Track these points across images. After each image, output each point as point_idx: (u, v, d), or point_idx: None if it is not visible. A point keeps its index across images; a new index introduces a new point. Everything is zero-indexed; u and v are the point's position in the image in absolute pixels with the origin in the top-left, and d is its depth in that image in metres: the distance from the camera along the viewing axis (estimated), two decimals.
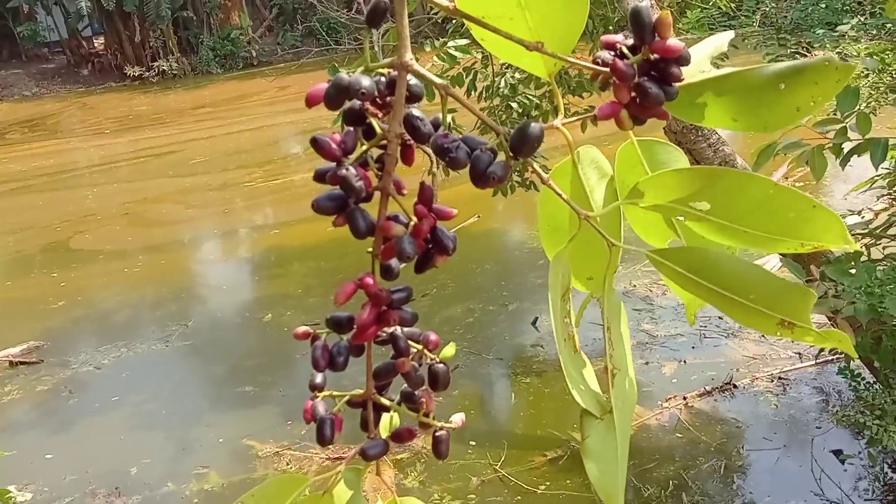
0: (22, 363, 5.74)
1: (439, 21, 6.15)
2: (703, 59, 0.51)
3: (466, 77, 4.51)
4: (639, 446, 4.09)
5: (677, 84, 0.49)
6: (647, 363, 4.84)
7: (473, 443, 4.27)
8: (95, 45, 21.78)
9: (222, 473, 4.26)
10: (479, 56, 4.57)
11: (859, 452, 3.87)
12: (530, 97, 4.47)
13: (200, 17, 21.00)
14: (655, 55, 0.48)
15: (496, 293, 6.05)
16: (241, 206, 9.42)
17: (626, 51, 0.49)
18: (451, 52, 4.03)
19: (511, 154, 0.50)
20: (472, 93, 4.59)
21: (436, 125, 0.52)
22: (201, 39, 20.81)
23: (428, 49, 4.39)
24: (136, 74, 20.28)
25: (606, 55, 0.49)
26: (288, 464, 4.24)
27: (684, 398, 4.44)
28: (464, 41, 3.84)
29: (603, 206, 0.57)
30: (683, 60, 0.48)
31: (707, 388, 4.50)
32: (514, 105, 4.43)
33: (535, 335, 5.40)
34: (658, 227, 0.59)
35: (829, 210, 0.46)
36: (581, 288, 0.60)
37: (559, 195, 0.52)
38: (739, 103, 0.48)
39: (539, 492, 3.84)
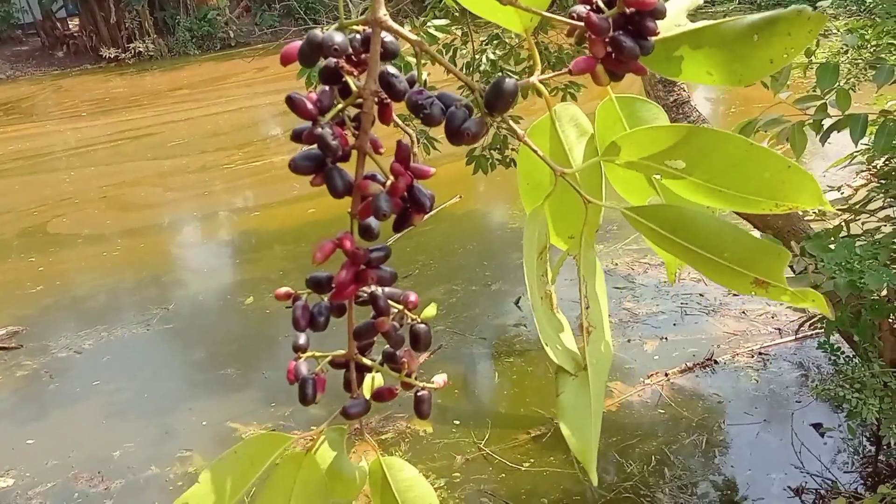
0: (1, 348, 5.69)
1: None
2: (678, 12, 0.50)
3: (446, 54, 4.50)
4: (621, 423, 4.13)
5: (653, 38, 0.48)
6: (628, 340, 4.87)
7: (458, 422, 4.29)
8: (70, 26, 21.46)
9: (206, 456, 4.26)
10: (459, 33, 4.55)
11: (839, 426, 3.92)
12: (510, 73, 4.46)
13: None
14: (631, 9, 0.48)
15: (478, 273, 6.06)
16: (220, 189, 9.35)
17: (601, 4, 0.49)
18: (432, 31, 4.01)
19: (486, 110, 0.50)
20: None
21: (411, 82, 0.51)
22: (178, 20, 20.56)
23: (408, 28, 4.36)
24: (112, 56, 20.01)
25: (581, 9, 0.49)
26: None
27: (666, 374, 4.48)
28: (444, 21, 3.83)
29: (582, 164, 0.57)
30: (658, 14, 0.47)
31: (688, 364, 4.54)
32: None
33: (517, 315, 5.42)
34: (638, 185, 0.59)
35: (804, 171, 0.46)
36: (562, 246, 0.59)
37: (534, 152, 0.51)
38: (714, 56, 0.48)
39: (523, 469, 3.86)
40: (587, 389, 0.51)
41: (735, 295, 5.24)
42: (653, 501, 3.58)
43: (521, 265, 0.53)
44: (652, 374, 4.50)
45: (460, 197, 7.30)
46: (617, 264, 5.79)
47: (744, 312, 5.02)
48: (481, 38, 4.63)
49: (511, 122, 0.51)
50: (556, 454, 3.93)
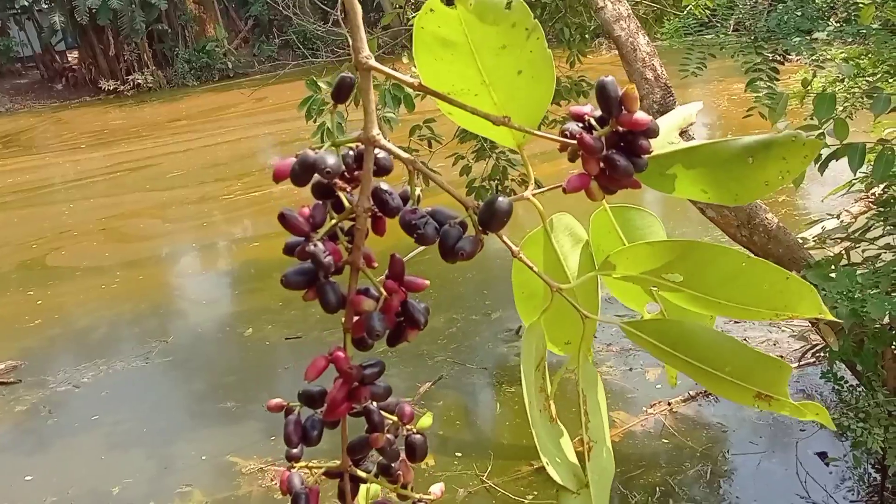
0: (0, 383, 5.66)
1: None
2: (671, 129, 0.50)
3: None
4: (624, 453, 4.10)
5: (646, 156, 0.48)
6: (630, 369, 4.85)
7: (459, 454, 4.26)
8: (69, 59, 21.62)
9: (206, 491, 4.23)
10: None
11: (844, 455, 3.90)
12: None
13: (175, 30, 20.88)
14: (623, 128, 0.48)
15: (479, 302, 6.05)
16: (219, 220, 9.36)
17: (594, 122, 0.49)
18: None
19: (480, 229, 0.50)
20: None
21: (405, 198, 0.51)
22: (176, 52, 20.69)
23: (405, 60, 4.38)
24: (111, 88, 20.13)
25: (574, 127, 0.49)
26: (272, 480, 4.21)
27: (669, 404, 4.45)
28: None
29: (578, 274, 0.57)
30: (651, 133, 0.47)
31: (691, 393, 4.52)
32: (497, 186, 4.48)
33: (519, 344, 5.39)
34: (635, 291, 0.58)
35: (803, 281, 0.46)
36: (558, 352, 0.59)
37: (530, 268, 0.51)
38: (709, 175, 0.48)
39: (526, 502, 3.83)
40: None
41: (736, 322, 5.23)
42: None
43: (522, 353, 0.52)
44: (654, 404, 4.48)
45: None
46: None
47: (745, 340, 5.00)
48: None
49: (505, 240, 0.51)
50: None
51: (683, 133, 0.51)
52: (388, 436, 0.55)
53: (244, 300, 7.05)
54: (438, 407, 4.75)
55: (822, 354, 4.10)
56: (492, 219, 0.49)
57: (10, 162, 14.04)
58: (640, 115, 0.47)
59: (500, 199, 0.49)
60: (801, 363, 4.59)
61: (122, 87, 20.16)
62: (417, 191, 0.51)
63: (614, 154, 0.48)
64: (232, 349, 6.03)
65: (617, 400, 4.54)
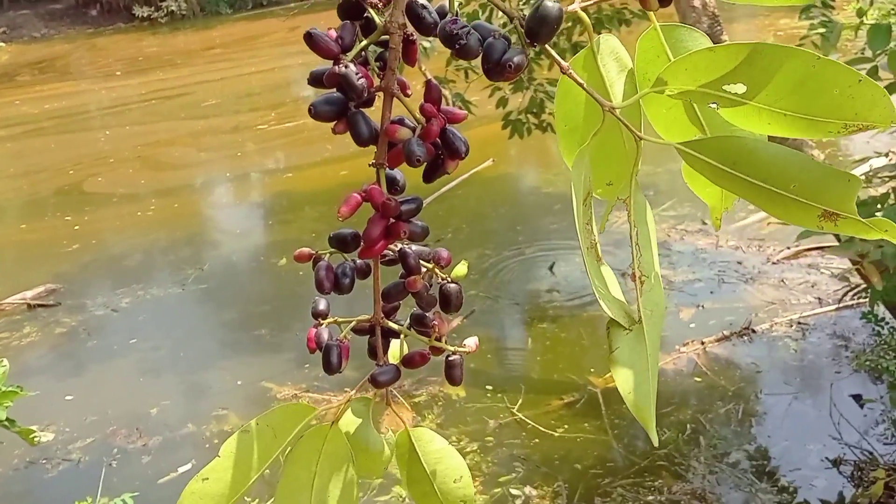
0: (39, 306, 5.78)
1: None
2: None
3: None
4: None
5: None
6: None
7: (490, 387, 4.27)
8: None
9: (241, 415, 4.29)
10: None
11: (881, 397, 3.84)
12: None
13: None
14: None
15: (511, 238, 6.01)
16: (252, 150, 9.37)
17: None
18: None
19: (528, 39, 0.45)
20: None
21: (442, 14, 0.47)
22: None
23: None
24: (145, 15, 20.05)
25: None
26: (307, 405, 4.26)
27: (702, 343, 4.41)
28: None
29: (624, 100, 0.52)
30: None
31: (725, 332, 4.47)
32: None
33: (551, 280, 5.37)
34: (681, 123, 0.54)
35: (876, 84, 0.41)
36: (599, 195, 0.55)
37: (580, 84, 0.46)
38: None
39: (556, 434, 3.84)
40: (643, 343, 0.47)
41: (774, 263, 5.14)
42: (687, 469, 3.54)
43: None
44: (687, 343, 4.43)
45: (493, 160, 7.23)
46: None
47: (783, 281, 4.93)
48: None
49: (553, 53, 0.46)
50: (590, 420, 3.90)
51: None
52: (424, 282, 0.52)
53: (277, 231, 7.08)
54: None
55: (863, 296, 4.02)
56: (541, 27, 0.44)
57: (46, 88, 14.13)
58: None
59: (548, 3, 0.44)
60: (840, 305, 4.51)
61: (156, 14, 20.08)
62: (456, 4, 0.46)
63: None
64: (265, 279, 6.08)
65: None
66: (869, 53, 2.84)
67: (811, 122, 0.43)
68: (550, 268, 5.49)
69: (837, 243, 3.00)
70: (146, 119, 11.13)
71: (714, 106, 0.44)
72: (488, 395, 4.20)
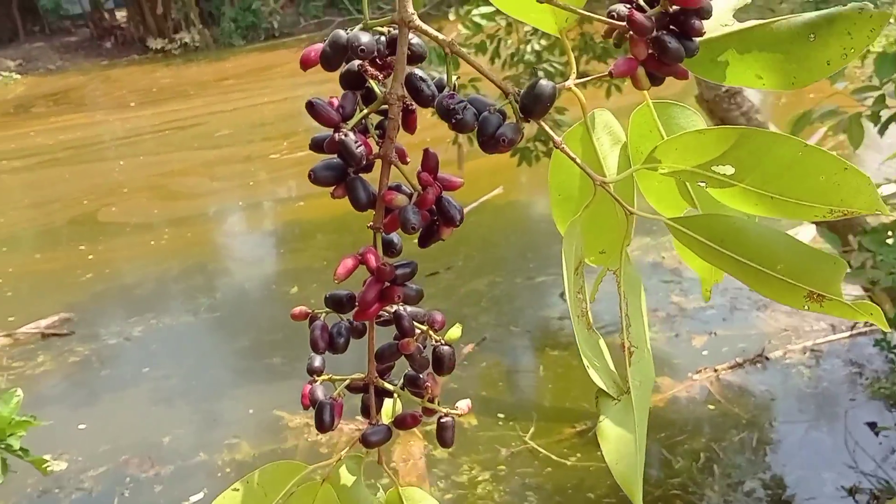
0: (53, 335, 5.81)
1: None
2: (724, 12, 0.47)
3: (490, 45, 4.45)
4: (668, 419, 4.06)
5: (698, 39, 0.45)
6: (676, 335, 4.78)
7: (502, 415, 4.26)
8: (118, 17, 21.82)
9: (253, 444, 4.30)
10: (504, 24, 4.50)
11: (895, 424, 3.81)
12: (555, 65, 4.40)
13: None
14: (675, 7, 0.45)
15: (522, 265, 6.01)
16: (265, 179, 9.43)
17: (642, 3, 0.46)
18: (476, 19, 3.97)
19: (522, 115, 0.47)
20: (496, 60, 4.53)
21: (440, 86, 0.48)
22: (223, 11, 20.75)
23: (452, 17, 4.33)
24: (159, 47, 20.28)
25: (622, 8, 0.46)
26: (318, 435, 4.26)
27: (715, 370, 4.39)
28: (489, 8, 3.79)
29: (617, 174, 0.54)
30: (705, 13, 0.44)
31: (738, 360, 4.44)
32: (540, 73, 4.37)
33: (562, 307, 5.36)
34: (673, 196, 0.55)
35: (861, 172, 0.43)
36: (592, 263, 0.56)
37: (572, 159, 0.48)
38: (765, 58, 0.45)
39: (569, 463, 3.82)
40: (631, 415, 0.48)
41: None
42: (701, 499, 3.51)
43: (562, 255, 0.50)
44: (700, 370, 4.41)
45: (502, 188, 7.25)
46: (664, 257, 5.69)
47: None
48: (526, 28, 4.57)
49: (547, 128, 0.48)
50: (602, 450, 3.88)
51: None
52: (418, 344, 0.53)
53: (289, 259, 7.11)
54: (481, 368, 4.75)
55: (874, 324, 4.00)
56: (535, 104, 0.46)
57: (61, 119, 14.28)
58: None
59: (543, 82, 0.46)
60: (854, 332, 4.48)
61: (170, 46, 20.30)
62: (454, 78, 0.48)
63: (664, 35, 0.45)
64: (277, 307, 6.09)
65: (662, 365, 4.49)
66: (876, 81, 2.85)
67: (797, 205, 0.44)
68: (561, 295, 5.48)
69: (850, 269, 3.00)
70: (160, 149, 11.23)
71: (703, 185, 0.46)
72: (500, 423, 4.19)
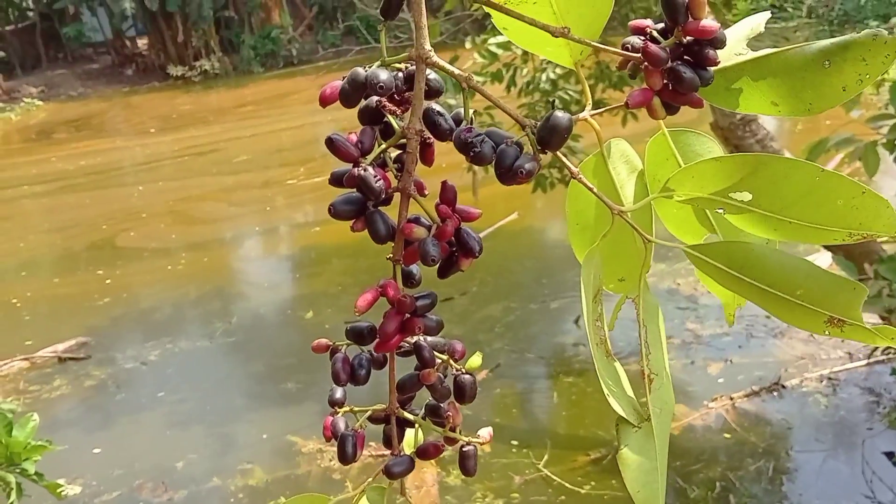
0: (70, 359, 5.84)
1: (479, 18, 6.13)
2: (738, 41, 0.47)
3: (506, 73, 4.48)
4: (684, 447, 4.02)
5: (712, 68, 0.46)
6: (692, 363, 4.75)
7: (515, 442, 4.23)
8: (139, 45, 22.15)
9: (266, 469, 4.29)
10: (520, 52, 4.53)
11: None
12: (570, 93, 4.42)
13: (242, 17, 21.24)
14: (689, 37, 0.45)
15: (537, 291, 6.00)
16: (282, 205, 9.49)
17: (656, 35, 0.46)
18: (492, 48, 4.00)
19: (539, 147, 0.47)
20: (512, 88, 4.56)
21: (457, 121, 0.49)
22: (242, 39, 21.03)
23: (468, 46, 4.37)
24: (179, 74, 20.56)
25: (636, 40, 0.46)
26: (331, 460, 4.25)
27: (731, 398, 4.35)
28: (505, 38, 3.81)
29: (634, 202, 0.54)
30: (719, 42, 0.45)
31: (754, 388, 4.40)
32: (556, 101, 4.39)
33: (576, 334, 5.34)
34: (691, 223, 0.55)
35: (879, 196, 0.43)
36: (611, 290, 0.57)
37: (589, 189, 0.49)
38: (780, 86, 0.45)
39: (583, 491, 3.79)
40: (652, 442, 0.48)
41: None
42: None
43: (580, 283, 0.50)
44: (716, 398, 4.38)
45: (518, 214, 7.26)
46: (679, 284, 5.67)
47: (812, 336, 4.86)
48: (541, 57, 4.60)
49: (563, 158, 0.49)
50: (617, 477, 3.82)
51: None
52: (439, 374, 0.53)
53: (305, 284, 7.14)
54: (495, 395, 4.73)
55: (892, 351, 3.96)
56: (551, 136, 0.46)
57: (81, 145, 14.45)
58: (708, 22, 0.44)
59: (559, 114, 0.46)
60: (871, 360, 4.44)
61: (190, 73, 20.57)
62: (471, 111, 0.49)
63: (679, 66, 0.45)
64: (292, 332, 6.10)
65: (677, 393, 4.41)
66: (892, 110, 2.85)
67: (816, 229, 0.44)
68: (576, 321, 5.47)
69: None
70: (178, 175, 11.34)
71: (721, 211, 0.46)
72: (514, 450, 4.17)
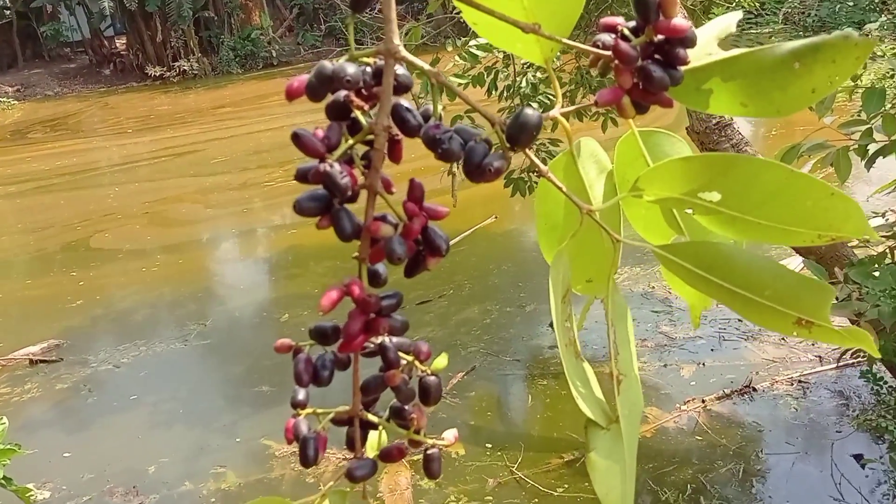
0: (42, 361, 5.77)
1: (461, 21, 6.13)
2: (709, 41, 0.47)
3: (487, 76, 4.48)
4: (656, 449, 4.04)
5: (683, 67, 0.45)
6: (665, 365, 4.78)
7: (490, 444, 4.24)
8: (117, 44, 21.99)
9: (239, 473, 4.26)
10: (501, 56, 4.54)
11: (880, 457, 3.81)
12: (550, 97, 4.43)
13: (221, 18, 21.13)
14: (660, 36, 0.45)
15: (513, 294, 6.01)
16: (259, 206, 9.44)
17: (627, 33, 0.46)
18: (473, 51, 4.00)
19: (508, 144, 0.47)
20: (493, 92, 4.56)
21: (426, 116, 0.48)
22: (222, 39, 20.93)
23: (450, 49, 4.36)
24: (158, 74, 20.42)
25: (607, 38, 0.46)
26: None
27: (703, 401, 4.39)
28: (486, 40, 3.82)
29: (603, 202, 0.54)
30: (690, 42, 0.44)
31: (726, 390, 4.45)
32: (535, 105, 4.40)
33: (552, 337, 5.32)
34: (659, 224, 0.55)
35: (848, 198, 0.43)
36: (579, 291, 0.56)
37: (559, 188, 0.48)
38: (749, 86, 0.45)
39: (556, 494, 3.80)
40: (620, 444, 0.47)
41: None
42: None
43: (549, 283, 0.50)
44: (688, 401, 4.41)
45: (496, 217, 7.27)
46: (654, 287, 5.70)
47: (783, 339, 4.91)
48: (522, 61, 4.61)
49: (533, 157, 0.48)
50: (590, 480, 3.85)
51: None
52: (403, 375, 0.52)
53: (281, 286, 7.10)
54: (470, 397, 4.73)
55: (862, 355, 4.01)
56: (520, 133, 0.46)
57: (57, 145, 14.30)
58: (679, 21, 0.44)
59: (529, 111, 0.46)
60: (840, 363, 4.49)
61: (169, 74, 20.45)
62: (440, 108, 0.48)
63: (649, 65, 0.45)
64: (268, 334, 6.06)
65: (650, 396, 4.48)
66: (864, 116, 2.88)
67: (785, 230, 0.44)
68: (551, 325, 5.47)
69: (836, 301, 3.01)
70: (155, 176, 11.25)
71: (690, 212, 0.46)
72: (488, 452, 4.17)
